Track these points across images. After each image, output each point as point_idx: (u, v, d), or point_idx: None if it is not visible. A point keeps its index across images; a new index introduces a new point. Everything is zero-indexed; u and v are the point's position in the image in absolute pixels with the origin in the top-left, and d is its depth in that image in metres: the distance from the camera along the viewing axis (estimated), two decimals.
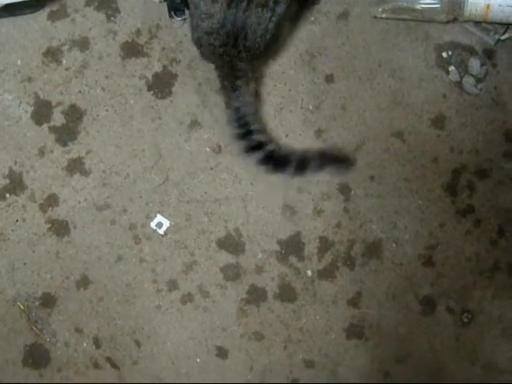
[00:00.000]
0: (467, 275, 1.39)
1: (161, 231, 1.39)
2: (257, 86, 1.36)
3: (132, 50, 1.39)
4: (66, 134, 1.39)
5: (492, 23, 1.36)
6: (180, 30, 1.39)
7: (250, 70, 1.32)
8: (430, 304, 1.39)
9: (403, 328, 1.39)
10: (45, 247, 1.39)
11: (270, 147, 1.32)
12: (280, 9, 1.25)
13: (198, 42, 1.31)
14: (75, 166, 1.39)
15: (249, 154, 1.32)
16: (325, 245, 1.39)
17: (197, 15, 1.26)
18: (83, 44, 1.39)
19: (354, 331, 1.40)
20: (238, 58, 1.29)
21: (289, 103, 1.39)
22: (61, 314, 1.40)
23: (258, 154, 1.31)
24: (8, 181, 1.39)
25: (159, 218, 1.38)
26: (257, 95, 1.36)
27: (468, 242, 1.39)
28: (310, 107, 1.39)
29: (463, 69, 1.38)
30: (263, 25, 1.26)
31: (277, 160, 1.32)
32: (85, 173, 1.39)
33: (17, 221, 1.39)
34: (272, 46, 1.32)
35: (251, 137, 1.31)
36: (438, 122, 1.38)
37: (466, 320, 1.40)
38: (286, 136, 1.39)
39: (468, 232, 1.39)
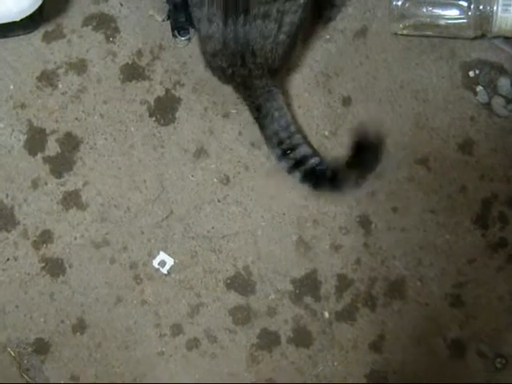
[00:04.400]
0: (500, 316, 1.34)
1: (164, 270, 1.35)
2: (286, 99, 1.33)
3: (133, 72, 1.36)
4: (62, 165, 1.35)
5: None
6: (184, 50, 1.36)
7: (272, 85, 1.28)
8: (459, 348, 1.34)
9: (430, 375, 1.34)
10: (38, 288, 1.35)
11: (312, 162, 1.28)
12: (289, 18, 1.21)
13: (209, 66, 1.29)
14: (71, 200, 1.35)
15: (291, 174, 1.28)
16: (343, 283, 1.34)
17: (201, 39, 1.26)
18: (80, 67, 1.36)
19: (377, 378, 1.34)
20: (252, 77, 1.26)
21: (303, 129, 1.35)
22: (55, 361, 1.35)
23: (299, 173, 1.27)
24: None
25: (162, 255, 1.34)
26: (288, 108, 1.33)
27: (500, 279, 1.33)
28: (326, 133, 1.35)
29: (492, 89, 1.34)
30: (271, 38, 1.22)
31: (317, 177, 1.28)
32: (81, 207, 1.35)
33: (8, 259, 1.35)
34: (290, 57, 1.29)
35: (288, 156, 1.28)
36: (466, 146, 1.34)
37: (499, 365, 1.34)
38: None
39: (500, 268, 1.34)
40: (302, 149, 1.28)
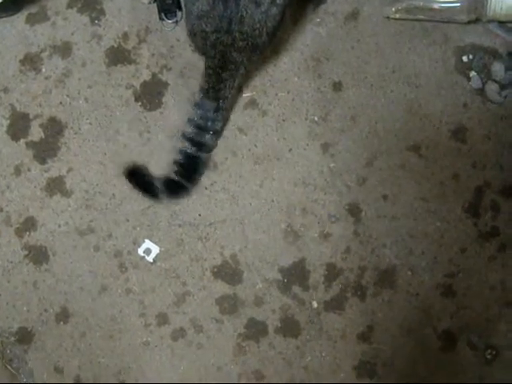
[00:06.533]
0: (491, 306, 1.33)
1: (149, 258, 1.33)
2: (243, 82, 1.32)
3: (118, 56, 1.35)
4: (45, 151, 1.33)
5: None
6: (171, 33, 1.34)
7: (243, 66, 1.25)
8: (449, 339, 1.33)
9: (420, 366, 1.33)
10: (21, 276, 1.33)
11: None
12: None
13: (192, 31, 1.24)
14: (55, 186, 1.33)
15: None
16: (332, 273, 1.32)
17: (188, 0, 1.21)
18: (65, 50, 1.34)
19: (365, 369, 1.33)
20: (234, 48, 1.21)
21: (292, 114, 1.33)
22: (38, 351, 1.34)
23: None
24: None
25: (148, 243, 1.33)
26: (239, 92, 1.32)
27: (492, 268, 1.33)
28: (316, 118, 1.33)
29: (486, 74, 1.34)
30: (263, 6, 1.17)
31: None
32: (66, 193, 1.33)
33: None
34: (275, 36, 1.25)
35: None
36: (459, 133, 1.33)
37: (489, 357, 1.33)
38: (290, 150, 1.33)
39: (492, 258, 1.33)
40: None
